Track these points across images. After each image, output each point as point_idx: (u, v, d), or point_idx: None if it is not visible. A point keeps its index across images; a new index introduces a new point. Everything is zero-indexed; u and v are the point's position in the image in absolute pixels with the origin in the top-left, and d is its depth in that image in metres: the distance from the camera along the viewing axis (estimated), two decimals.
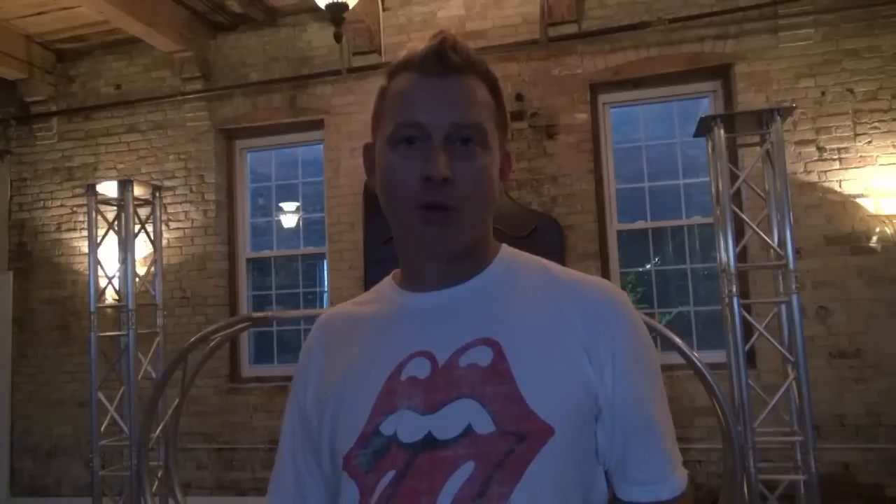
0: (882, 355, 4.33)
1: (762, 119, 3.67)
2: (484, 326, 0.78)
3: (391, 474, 0.73)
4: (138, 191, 4.76)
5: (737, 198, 4.03)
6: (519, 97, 5.02)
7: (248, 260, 5.82)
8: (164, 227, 5.35)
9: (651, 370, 0.81)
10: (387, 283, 0.90)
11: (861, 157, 4.47)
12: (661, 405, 0.81)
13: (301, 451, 0.86)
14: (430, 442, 0.73)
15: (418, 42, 0.81)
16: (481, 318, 0.79)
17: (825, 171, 4.51)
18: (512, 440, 0.71)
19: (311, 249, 5.79)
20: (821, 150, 4.52)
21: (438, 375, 0.76)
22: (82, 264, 5.70)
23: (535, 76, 5.03)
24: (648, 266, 5.15)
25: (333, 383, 0.83)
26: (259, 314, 4.18)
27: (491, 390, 0.73)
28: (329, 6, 4.15)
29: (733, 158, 4.21)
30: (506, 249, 0.88)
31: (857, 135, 4.48)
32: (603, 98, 5.09)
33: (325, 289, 5.73)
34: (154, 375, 4.62)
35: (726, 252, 3.55)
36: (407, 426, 0.74)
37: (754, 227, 3.66)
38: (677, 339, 3.05)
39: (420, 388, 0.76)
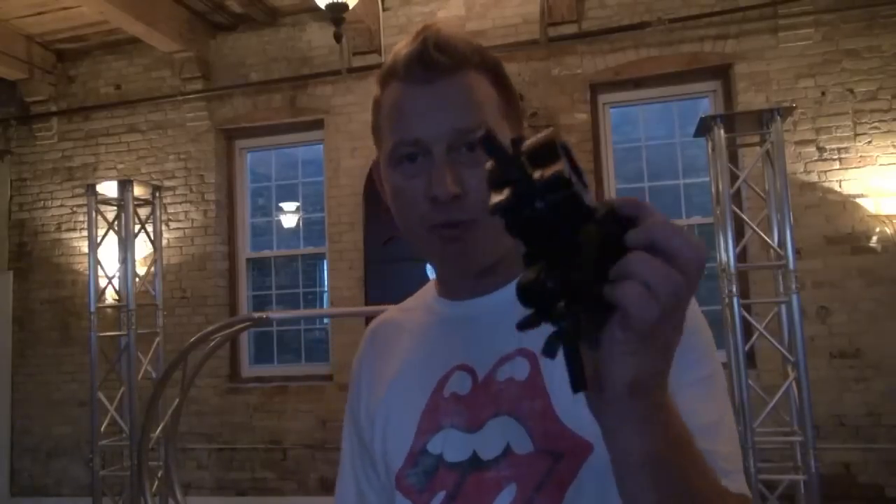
0: (882, 355, 4.32)
1: (762, 119, 3.67)
2: (521, 336, 0.72)
3: (442, 495, 0.72)
4: (138, 191, 4.77)
5: (737, 198, 4.03)
6: (519, 97, 5.00)
7: (248, 260, 5.82)
8: (164, 227, 5.35)
9: (697, 360, 0.66)
10: (428, 290, 0.86)
11: (861, 157, 4.47)
12: (707, 398, 0.66)
13: (360, 462, 0.85)
14: (476, 462, 0.71)
15: (404, 42, 0.74)
16: None
17: (825, 171, 4.51)
18: (549, 460, 0.68)
19: (311, 249, 5.79)
20: (821, 150, 4.52)
21: (479, 391, 0.73)
22: (82, 264, 5.70)
23: (535, 76, 5.03)
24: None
25: (381, 397, 0.81)
26: (259, 314, 4.18)
27: (527, 407, 0.70)
28: (329, 6, 4.15)
29: (733, 158, 4.21)
30: None
31: (857, 135, 4.48)
32: (603, 98, 5.09)
33: (325, 289, 5.73)
34: (154, 375, 4.62)
35: (726, 252, 3.55)
36: (453, 446, 0.72)
37: (754, 227, 3.67)
38: None
39: (462, 405, 0.73)
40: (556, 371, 0.69)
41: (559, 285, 0.41)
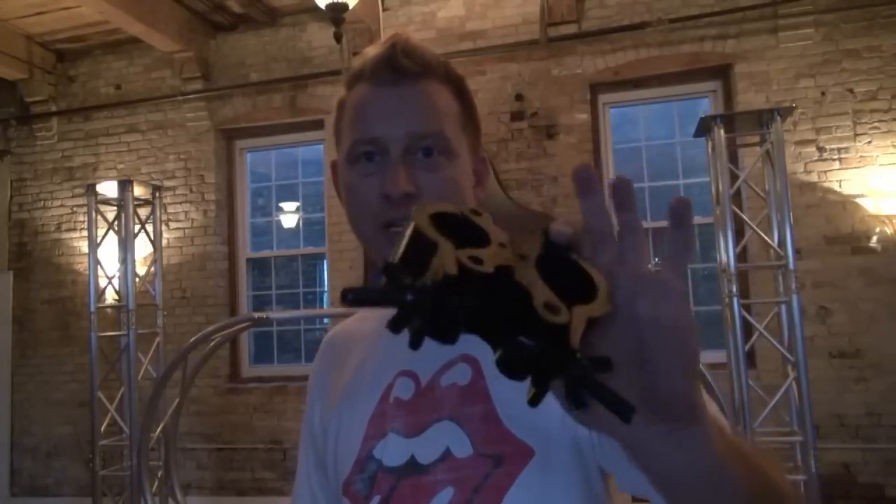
0: (882, 355, 4.32)
1: (762, 119, 3.67)
2: (465, 342, 0.73)
3: (377, 499, 0.73)
4: (138, 191, 4.77)
5: (737, 198, 4.02)
6: (519, 97, 5.02)
7: (248, 260, 5.82)
8: (164, 227, 5.35)
9: None
10: None
11: (861, 157, 4.47)
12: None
13: (315, 471, 0.87)
14: (412, 466, 0.71)
15: (373, 46, 0.76)
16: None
17: (825, 171, 4.51)
18: (489, 463, 0.68)
19: (311, 249, 5.79)
20: (821, 150, 4.52)
21: (421, 396, 0.74)
22: (82, 264, 5.70)
23: (535, 76, 5.03)
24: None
25: (333, 406, 0.82)
26: (259, 314, 4.18)
27: (469, 410, 0.70)
28: (329, 6, 4.15)
29: (733, 158, 4.21)
30: None
31: (857, 135, 4.48)
32: (603, 98, 5.09)
33: (325, 289, 5.73)
34: (154, 375, 4.62)
35: (726, 252, 3.55)
36: (391, 450, 0.73)
37: (754, 227, 3.67)
38: None
39: (404, 410, 0.74)
40: (499, 376, 0.68)
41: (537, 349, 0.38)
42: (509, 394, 0.67)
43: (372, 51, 0.76)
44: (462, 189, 0.75)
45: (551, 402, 0.65)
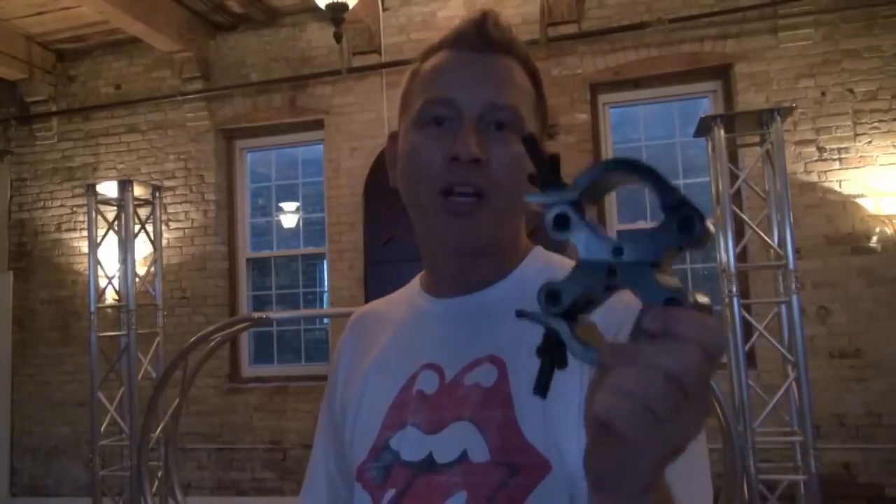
0: (882, 355, 4.32)
1: (762, 119, 3.67)
2: (495, 342, 0.71)
3: (392, 492, 0.71)
4: (138, 191, 4.77)
5: (737, 198, 4.02)
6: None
7: (248, 260, 5.82)
8: (164, 227, 5.34)
9: None
10: (414, 284, 0.85)
11: (861, 157, 4.47)
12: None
13: (333, 452, 0.85)
14: (429, 464, 0.70)
15: (420, 36, 0.77)
16: (495, 332, 0.72)
17: (825, 171, 4.51)
18: (505, 472, 0.65)
19: (311, 249, 5.79)
20: (821, 150, 4.52)
21: (444, 393, 0.72)
22: (82, 264, 5.70)
23: None
24: None
25: (354, 388, 0.81)
26: (259, 314, 4.18)
27: (488, 415, 0.68)
28: (329, 6, 4.15)
29: (733, 158, 4.21)
30: (538, 253, 0.80)
31: (857, 135, 4.48)
32: (603, 98, 5.09)
33: (325, 289, 5.73)
34: (154, 375, 4.62)
35: (726, 252, 3.55)
36: (410, 444, 0.71)
37: (754, 227, 3.67)
38: None
39: (426, 404, 0.72)
40: (523, 380, 0.67)
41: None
42: (531, 402, 0.63)
43: (459, 22, 0.76)
44: (528, 169, 0.73)
45: (567, 420, 0.64)
